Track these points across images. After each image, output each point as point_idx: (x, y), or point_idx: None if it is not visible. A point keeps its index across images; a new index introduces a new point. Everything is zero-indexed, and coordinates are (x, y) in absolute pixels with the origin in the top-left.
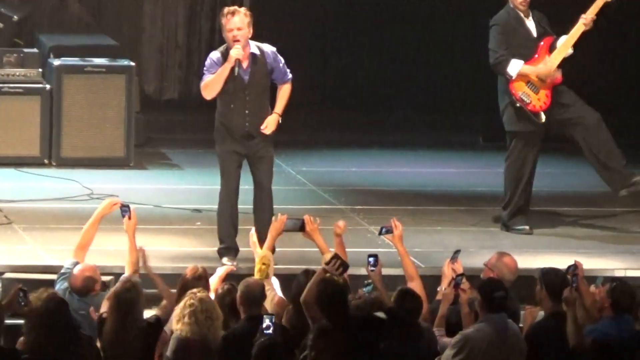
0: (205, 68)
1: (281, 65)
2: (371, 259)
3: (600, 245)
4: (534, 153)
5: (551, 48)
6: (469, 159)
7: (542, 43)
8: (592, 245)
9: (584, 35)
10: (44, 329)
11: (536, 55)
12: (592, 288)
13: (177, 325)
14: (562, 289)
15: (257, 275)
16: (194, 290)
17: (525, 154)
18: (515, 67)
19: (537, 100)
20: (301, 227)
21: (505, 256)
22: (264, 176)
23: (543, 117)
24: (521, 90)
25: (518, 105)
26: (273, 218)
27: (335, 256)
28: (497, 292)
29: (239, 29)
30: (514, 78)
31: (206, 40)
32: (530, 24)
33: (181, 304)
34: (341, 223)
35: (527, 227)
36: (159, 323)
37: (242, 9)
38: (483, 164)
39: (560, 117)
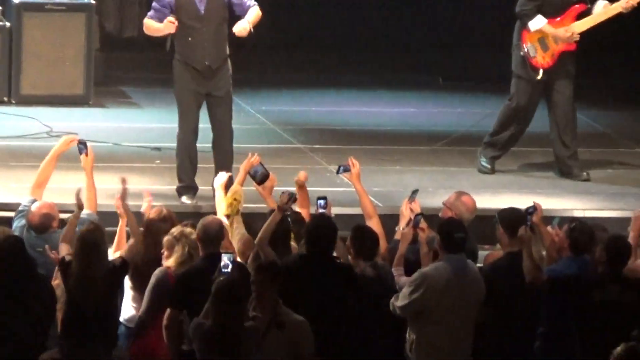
0: (154, 2)
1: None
2: (321, 202)
3: (559, 186)
4: (532, 102)
5: (579, 16)
6: (428, 99)
7: (572, 8)
8: (551, 186)
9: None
10: (0, 267)
11: (558, 19)
12: (549, 229)
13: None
14: (519, 228)
15: (227, 211)
16: (182, 225)
17: (521, 98)
18: (537, 23)
19: (542, 58)
20: (261, 180)
21: (464, 195)
22: (224, 115)
23: (540, 74)
24: (531, 42)
25: (522, 53)
26: (250, 154)
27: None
28: (456, 233)
29: None
30: (530, 32)
31: None
32: None
33: (170, 236)
34: (302, 174)
35: (489, 167)
36: (124, 265)
37: None
38: (442, 104)
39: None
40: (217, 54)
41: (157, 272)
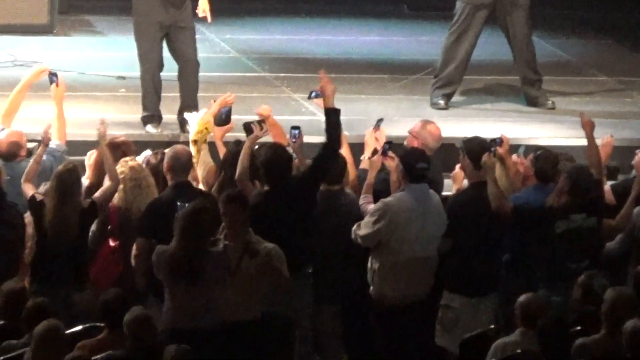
0: None
1: None
2: (295, 131)
3: (525, 114)
4: (478, 26)
5: None
6: (393, 28)
7: None
8: (517, 114)
9: None
10: None
11: None
12: (515, 157)
13: (115, 198)
14: (478, 156)
15: (195, 136)
16: (126, 158)
17: (467, 24)
18: None
19: None
20: (223, 122)
21: (429, 124)
22: (188, 47)
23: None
24: None
25: None
26: (229, 93)
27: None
28: (419, 162)
29: None
30: None
31: None
32: None
33: (123, 171)
34: (263, 109)
35: (441, 101)
36: (94, 207)
37: None
38: (408, 33)
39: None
40: None
41: (110, 211)
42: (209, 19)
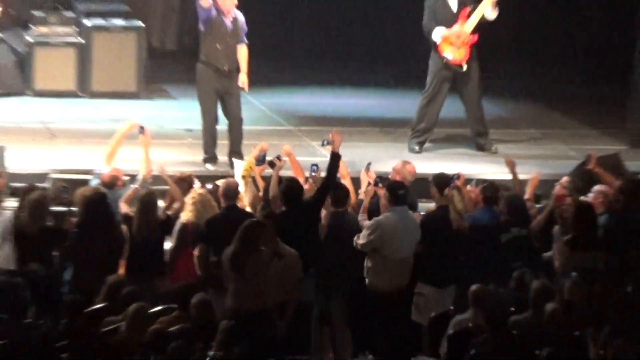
0: (199, 9)
1: (245, 30)
2: (314, 167)
3: (476, 156)
4: (443, 93)
5: (469, 17)
6: (383, 94)
7: (462, 12)
8: (470, 157)
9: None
10: (91, 212)
11: (455, 25)
12: (469, 187)
13: (183, 216)
14: (443, 188)
15: (243, 173)
16: (196, 187)
17: (435, 91)
18: (438, 33)
19: (459, 55)
20: (261, 162)
21: (408, 164)
22: (235, 108)
23: (464, 67)
24: (445, 50)
25: (445, 61)
26: (263, 143)
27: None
28: (399, 190)
29: (234, 4)
30: (439, 43)
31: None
32: (453, 1)
33: (189, 197)
34: (286, 147)
35: (416, 147)
36: (169, 219)
37: None
38: (394, 98)
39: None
40: (233, 61)
41: (178, 225)
42: (246, 89)
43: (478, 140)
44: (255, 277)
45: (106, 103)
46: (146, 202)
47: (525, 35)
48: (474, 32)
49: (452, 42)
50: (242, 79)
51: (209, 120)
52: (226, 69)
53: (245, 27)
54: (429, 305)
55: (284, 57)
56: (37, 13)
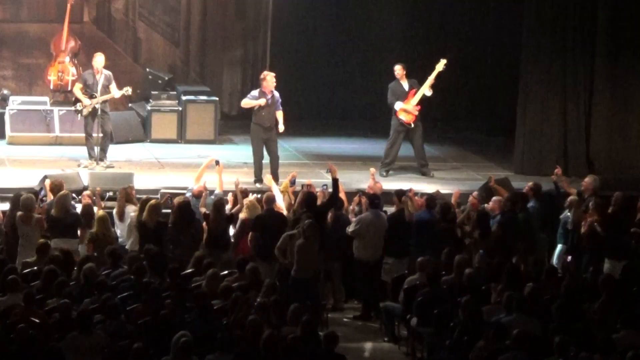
0: (249, 95)
1: (279, 103)
2: (324, 186)
3: (420, 179)
4: (400, 140)
5: (415, 95)
6: (363, 141)
7: (410, 93)
8: (417, 179)
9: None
10: (181, 213)
11: (407, 99)
12: (416, 197)
13: (242, 214)
14: (400, 197)
15: (281, 189)
16: (250, 198)
17: (395, 139)
18: (398, 105)
19: (409, 118)
20: (292, 184)
21: (377, 183)
22: (274, 148)
23: (412, 125)
24: (401, 115)
25: (399, 122)
26: (294, 172)
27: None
28: (375, 199)
29: (273, 86)
30: (397, 110)
31: (254, 87)
32: (405, 84)
33: (246, 202)
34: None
35: (384, 173)
36: (232, 217)
37: (272, 74)
38: (369, 143)
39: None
40: (273, 120)
41: (239, 220)
42: (281, 131)
43: (422, 169)
44: (314, 253)
45: (195, 146)
46: (218, 205)
47: (448, 101)
48: (418, 104)
49: (405, 110)
50: (280, 129)
51: (258, 157)
52: (268, 126)
53: (279, 100)
54: (392, 270)
55: (303, 115)
56: (154, 92)
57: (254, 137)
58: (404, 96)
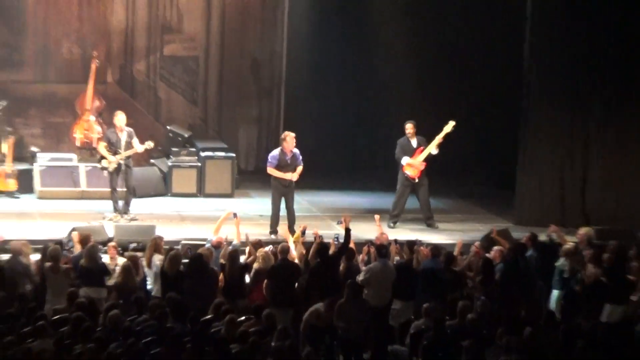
0: (270, 156)
1: (300, 159)
2: (336, 236)
3: (426, 230)
4: (407, 193)
5: (422, 152)
6: (372, 194)
7: (417, 150)
8: (422, 230)
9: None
10: (193, 265)
11: (413, 156)
12: (422, 248)
13: (256, 264)
14: (412, 247)
15: (294, 240)
16: (264, 249)
17: (402, 192)
18: (405, 160)
19: (414, 173)
20: (303, 234)
21: (384, 233)
22: (291, 202)
23: (417, 180)
24: (407, 170)
25: (405, 176)
26: (305, 224)
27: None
28: (383, 249)
29: (293, 146)
30: (404, 165)
31: (274, 146)
32: (414, 141)
33: (260, 253)
34: (347, 218)
35: (392, 225)
36: (246, 266)
37: (293, 134)
38: (378, 197)
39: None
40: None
41: (253, 270)
42: (294, 179)
43: (427, 221)
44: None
45: (213, 200)
46: (232, 256)
47: (449, 160)
48: (424, 161)
49: (411, 165)
50: (293, 178)
51: (275, 210)
52: (287, 183)
53: (300, 157)
54: (399, 315)
55: (315, 170)
56: (175, 149)
57: (274, 191)
58: (411, 152)
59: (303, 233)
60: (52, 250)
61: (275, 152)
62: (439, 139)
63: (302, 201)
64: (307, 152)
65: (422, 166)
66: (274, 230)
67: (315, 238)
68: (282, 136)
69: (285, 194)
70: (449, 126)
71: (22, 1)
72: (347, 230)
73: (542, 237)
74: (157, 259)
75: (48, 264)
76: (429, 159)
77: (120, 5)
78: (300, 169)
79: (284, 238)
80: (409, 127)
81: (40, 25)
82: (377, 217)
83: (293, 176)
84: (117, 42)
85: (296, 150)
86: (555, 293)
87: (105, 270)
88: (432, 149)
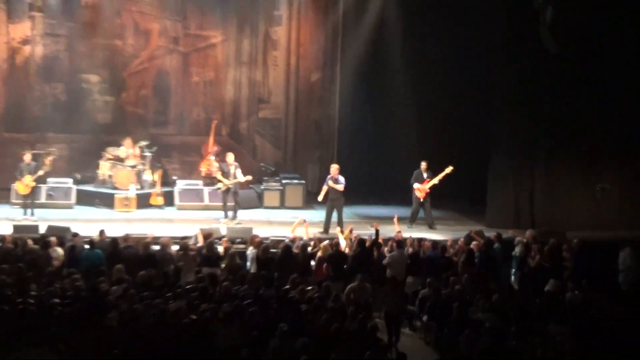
0: (325, 181)
1: (340, 181)
2: (371, 235)
3: (432, 231)
4: (418, 207)
5: (428, 182)
6: (398, 207)
7: (426, 180)
8: (427, 231)
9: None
10: (284, 252)
11: (422, 183)
12: (426, 243)
13: (319, 253)
14: (420, 242)
15: (344, 236)
16: (324, 242)
17: (416, 207)
18: (416, 185)
19: (421, 195)
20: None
21: (400, 232)
22: (340, 210)
23: (422, 200)
24: (416, 192)
25: (415, 195)
26: (351, 227)
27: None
28: (400, 243)
29: (335, 174)
30: (415, 188)
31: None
32: (425, 174)
33: (321, 245)
34: (377, 223)
35: (410, 226)
36: (312, 255)
37: (336, 166)
38: (404, 208)
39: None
40: (337, 193)
41: (317, 257)
42: (320, 198)
43: (430, 225)
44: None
45: (290, 211)
46: (303, 247)
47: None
48: (429, 188)
49: (419, 189)
50: (340, 188)
51: (327, 216)
52: (334, 196)
53: (339, 179)
54: (411, 286)
55: (356, 189)
56: (265, 178)
57: (327, 202)
58: (421, 181)
59: (350, 232)
60: (183, 244)
61: (328, 177)
62: (440, 176)
63: (348, 212)
64: (352, 178)
65: (427, 190)
66: (325, 230)
67: (356, 236)
68: (331, 167)
69: (334, 204)
70: (448, 169)
71: (169, 84)
72: (377, 231)
73: (505, 235)
74: (253, 249)
75: (181, 252)
76: (433, 187)
77: (231, 85)
78: (339, 186)
79: (336, 235)
80: (423, 165)
81: (180, 99)
82: (395, 216)
83: (338, 188)
84: (228, 109)
85: (339, 176)
86: (513, 272)
87: (219, 257)
88: (435, 181)
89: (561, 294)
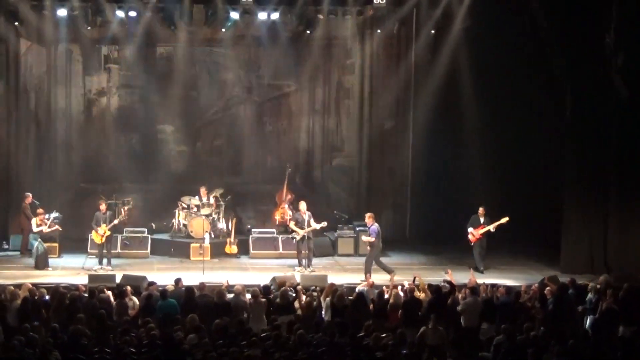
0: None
1: (373, 232)
2: (443, 282)
3: (504, 276)
4: (477, 249)
5: (483, 228)
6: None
7: (481, 225)
8: (500, 276)
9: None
10: (354, 303)
11: (477, 229)
12: (500, 289)
13: (391, 299)
14: (494, 288)
15: (421, 285)
16: (396, 289)
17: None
18: (470, 229)
19: (473, 238)
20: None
21: (473, 278)
22: (369, 258)
23: (472, 243)
24: (469, 235)
25: (469, 237)
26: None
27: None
28: (474, 289)
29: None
30: (469, 232)
31: (405, 222)
32: (482, 219)
33: (393, 292)
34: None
35: (482, 270)
36: (388, 301)
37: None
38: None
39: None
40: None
41: (389, 303)
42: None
43: (477, 268)
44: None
45: (364, 258)
46: (380, 294)
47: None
48: (481, 234)
49: (472, 233)
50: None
51: (380, 264)
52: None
53: (372, 232)
54: (486, 332)
55: (423, 236)
56: (339, 225)
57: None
58: (477, 225)
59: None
60: (254, 292)
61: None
62: (495, 225)
63: (422, 257)
64: (425, 223)
65: (480, 236)
66: (388, 272)
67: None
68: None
69: (369, 251)
70: (504, 219)
71: (243, 133)
72: (450, 283)
73: (580, 281)
74: (327, 296)
75: (252, 300)
76: (487, 234)
77: (305, 134)
78: (369, 238)
79: (410, 282)
80: (481, 210)
81: (254, 148)
82: (471, 270)
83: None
84: (302, 157)
85: (373, 226)
86: (588, 318)
87: (292, 304)
88: (490, 228)
89: (637, 339)
